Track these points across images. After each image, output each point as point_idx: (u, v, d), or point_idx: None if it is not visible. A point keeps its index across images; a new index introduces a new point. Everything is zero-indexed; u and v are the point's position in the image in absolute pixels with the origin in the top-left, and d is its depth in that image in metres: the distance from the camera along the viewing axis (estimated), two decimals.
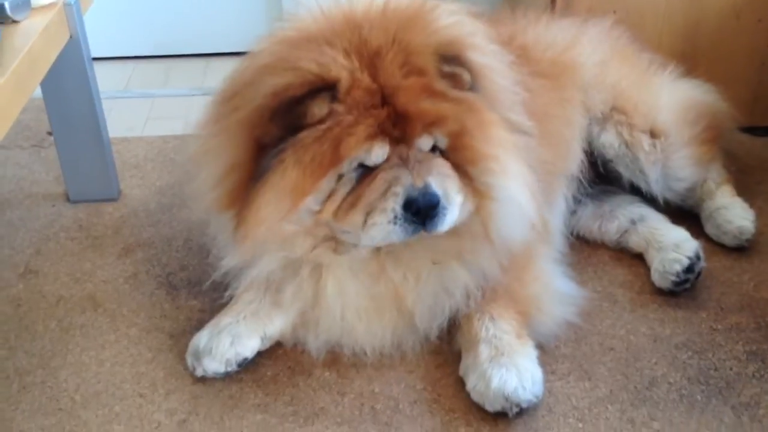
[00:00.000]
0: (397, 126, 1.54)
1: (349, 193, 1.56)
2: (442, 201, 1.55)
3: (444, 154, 1.59)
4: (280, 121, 1.51)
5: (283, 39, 1.63)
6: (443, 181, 1.57)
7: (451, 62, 1.58)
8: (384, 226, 1.54)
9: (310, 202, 1.56)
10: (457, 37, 1.63)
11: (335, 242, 1.65)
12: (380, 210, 1.53)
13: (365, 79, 1.52)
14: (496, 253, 1.69)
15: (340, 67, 1.51)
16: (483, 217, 1.64)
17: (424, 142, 1.57)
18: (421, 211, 1.53)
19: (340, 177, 1.56)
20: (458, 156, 1.59)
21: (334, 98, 1.51)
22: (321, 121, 1.51)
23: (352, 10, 1.61)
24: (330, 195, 1.57)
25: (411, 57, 1.54)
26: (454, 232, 1.63)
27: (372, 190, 1.54)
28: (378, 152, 1.54)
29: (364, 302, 1.71)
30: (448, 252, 1.69)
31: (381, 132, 1.53)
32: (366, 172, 1.56)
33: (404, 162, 1.54)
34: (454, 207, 1.58)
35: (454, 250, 1.68)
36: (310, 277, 1.70)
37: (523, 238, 1.69)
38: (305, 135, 1.51)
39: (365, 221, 1.55)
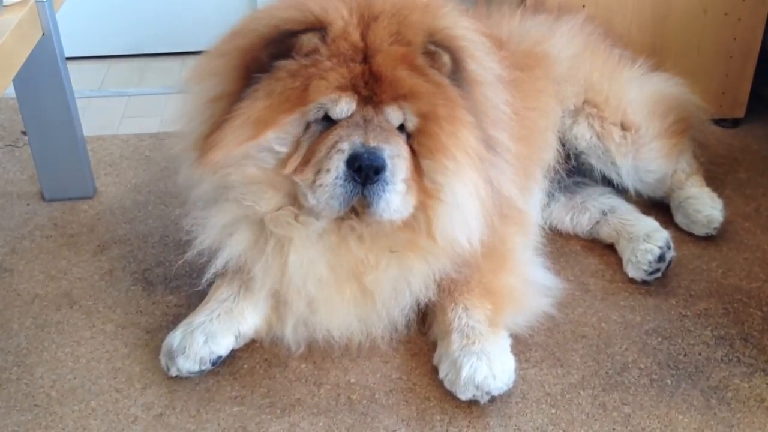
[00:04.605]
0: (368, 86, 1.55)
1: (309, 147, 1.57)
2: (388, 172, 1.53)
3: (410, 138, 1.60)
4: (272, 49, 1.55)
5: None
6: (395, 159, 1.55)
7: (438, 45, 1.60)
8: (329, 186, 1.53)
9: (273, 139, 1.56)
10: (457, 37, 1.65)
11: (297, 206, 1.64)
12: (325, 170, 1.54)
13: (355, 35, 1.56)
14: (445, 251, 1.70)
15: (338, 15, 1.57)
16: (428, 216, 1.64)
17: (394, 115, 1.58)
18: (363, 170, 1.52)
19: (308, 126, 1.57)
20: (420, 143, 1.59)
21: (323, 39, 1.55)
22: (305, 55, 1.54)
23: None
24: (296, 147, 1.58)
25: (403, 28, 1.58)
26: (408, 225, 1.65)
27: (323, 143, 1.55)
28: (344, 105, 1.55)
29: (324, 271, 1.69)
30: (403, 243, 1.69)
31: (351, 86, 1.55)
32: (330, 126, 1.57)
33: (366, 123, 1.55)
34: (395, 191, 1.56)
35: (410, 242, 1.68)
36: (274, 251, 1.69)
37: (467, 244, 1.68)
38: (283, 64, 1.54)
39: (314, 180, 1.55)
